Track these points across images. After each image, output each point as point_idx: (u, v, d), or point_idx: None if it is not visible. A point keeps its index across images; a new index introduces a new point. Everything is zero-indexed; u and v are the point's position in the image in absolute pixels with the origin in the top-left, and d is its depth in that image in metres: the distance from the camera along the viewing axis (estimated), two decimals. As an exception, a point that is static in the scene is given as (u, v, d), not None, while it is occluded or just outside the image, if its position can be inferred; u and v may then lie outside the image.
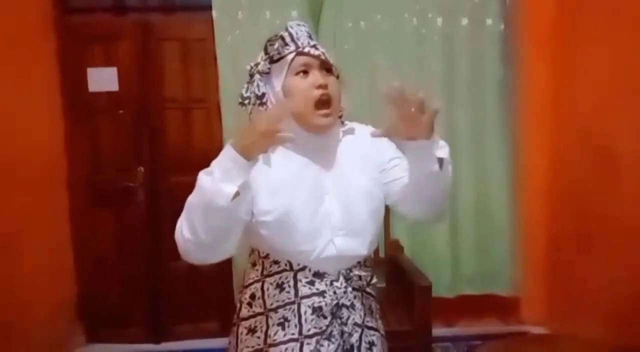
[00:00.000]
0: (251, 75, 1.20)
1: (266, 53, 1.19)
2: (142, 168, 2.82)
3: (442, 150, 1.07)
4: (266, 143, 1.01)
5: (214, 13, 2.65)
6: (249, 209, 1.13)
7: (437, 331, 2.48)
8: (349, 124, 1.28)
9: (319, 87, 1.14)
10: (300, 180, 1.16)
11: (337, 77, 1.21)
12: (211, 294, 2.89)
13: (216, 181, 1.00)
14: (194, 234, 1.05)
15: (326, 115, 1.15)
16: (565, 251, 2.71)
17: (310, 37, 1.19)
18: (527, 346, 2.07)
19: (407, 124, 1.01)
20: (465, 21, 2.79)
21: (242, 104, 1.19)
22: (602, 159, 2.41)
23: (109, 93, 2.80)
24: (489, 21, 2.81)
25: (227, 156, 1.01)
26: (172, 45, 2.80)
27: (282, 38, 1.17)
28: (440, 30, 2.78)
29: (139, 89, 2.80)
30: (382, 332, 1.28)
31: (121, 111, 2.82)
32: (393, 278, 2.53)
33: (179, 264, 2.84)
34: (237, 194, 1.00)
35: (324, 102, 1.14)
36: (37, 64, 2.63)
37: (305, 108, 1.14)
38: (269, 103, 1.18)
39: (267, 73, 1.19)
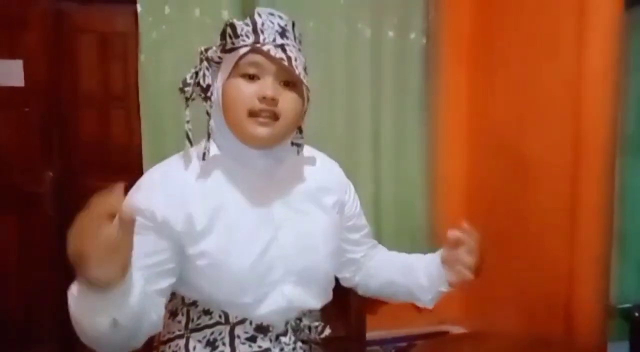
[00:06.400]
0: (200, 61, 0.96)
1: (222, 38, 0.96)
2: (50, 173, 2.55)
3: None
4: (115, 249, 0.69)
5: (139, 7, 2.47)
6: (175, 260, 0.90)
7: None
8: (310, 152, 1.06)
9: (263, 99, 0.90)
10: (242, 212, 0.93)
11: (306, 95, 0.96)
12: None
13: (85, 315, 0.74)
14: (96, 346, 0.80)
15: (263, 125, 0.91)
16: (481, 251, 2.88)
17: (282, 33, 0.94)
18: (456, 345, 2.14)
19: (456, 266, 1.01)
20: (391, 34, 2.93)
21: (181, 90, 0.95)
22: (516, 166, 2.60)
23: (12, 88, 2.49)
24: (412, 35, 2.97)
25: (80, 291, 0.72)
26: (89, 38, 2.56)
27: (245, 25, 0.93)
28: (368, 41, 2.87)
29: (49, 85, 2.52)
30: None
31: (27, 109, 2.53)
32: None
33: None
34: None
35: (260, 115, 0.91)
36: None
37: (238, 114, 0.92)
38: (213, 98, 0.95)
39: (218, 62, 0.96)
